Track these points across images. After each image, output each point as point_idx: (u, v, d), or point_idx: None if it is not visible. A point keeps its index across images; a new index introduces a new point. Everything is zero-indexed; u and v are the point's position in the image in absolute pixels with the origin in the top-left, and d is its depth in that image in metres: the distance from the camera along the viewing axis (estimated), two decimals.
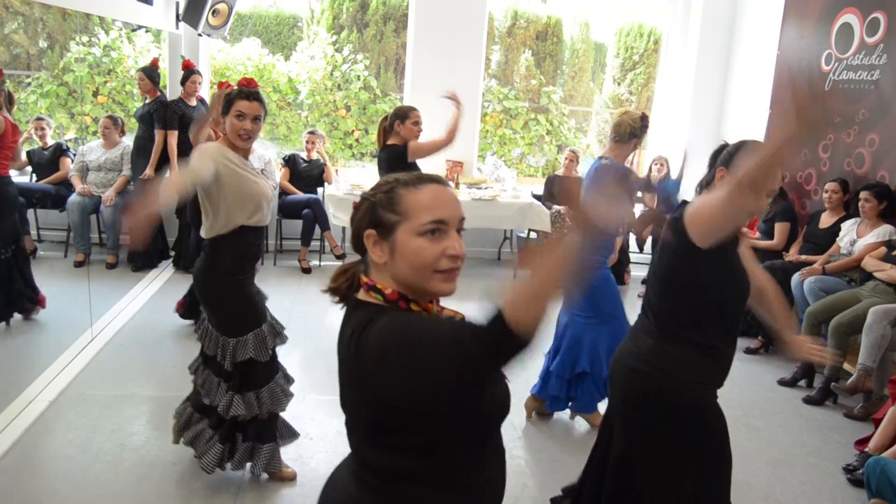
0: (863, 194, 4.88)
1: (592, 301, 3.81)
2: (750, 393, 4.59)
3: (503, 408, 1.49)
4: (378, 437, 1.38)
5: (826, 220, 5.33)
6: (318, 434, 3.67)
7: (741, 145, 2.25)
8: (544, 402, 4.00)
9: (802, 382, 4.77)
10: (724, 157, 2.29)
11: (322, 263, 6.94)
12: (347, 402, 1.43)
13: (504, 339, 1.17)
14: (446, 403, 1.31)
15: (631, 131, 3.72)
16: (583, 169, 7.52)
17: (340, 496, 1.47)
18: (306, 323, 5.21)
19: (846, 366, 4.55)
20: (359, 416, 1.41)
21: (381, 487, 1.40)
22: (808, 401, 4.52)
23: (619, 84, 11.82)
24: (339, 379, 1.42)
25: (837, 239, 5.09)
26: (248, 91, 2.94)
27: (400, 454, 1.37)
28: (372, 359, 1.28)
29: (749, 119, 6.73)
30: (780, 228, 5.57)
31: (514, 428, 3.94)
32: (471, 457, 1.44)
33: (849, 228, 5.02)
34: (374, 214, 1.40)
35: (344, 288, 1.49)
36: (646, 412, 2.27)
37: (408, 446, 1.37)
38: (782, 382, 4.78)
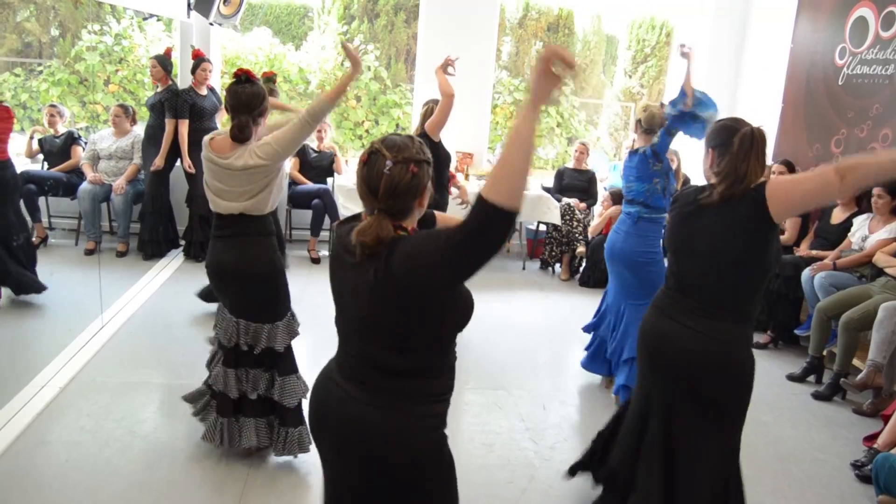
0: (876, 190, 4.84)
1: (649, 287, 3.93)
2: (758, 388, 4.50)
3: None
4: (398, 341, 1.69)
5: (838, 216, 5.30)
6: None
7: (716, 126, 2.52)
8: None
9: (811, 378, 4.75)
10: (708, 139, 2.52)
11: None
12: (371, 322, 1.70)
13: (488, 215, 1.45)
14: (452, 288, 1.64)
15: (660, 123, 4.01)
16: (593, 162, 7.50)
17: (346, 401, 1.75)
18: (316, 312, 5.21)
19: (856, 362, 4.53)
20: (385, 328, 1.68)
21: (393, 385, 1.73)
22: (817, 396, 4.51)
23: (630, 77, 11.77)
24: (355, 309, 1.72)
25: (849, 234, 5.06)
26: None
27: (412, 354, 1.71)
28: (401, 264, 1.59)
29: (761, 113, 6.69)
30: (791, 223, 5.55)
31: (521, 419, 3.94)
32: (452, 350, 1.81)
33: (861, 224, 4.99)
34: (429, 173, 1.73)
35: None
36: (717, 387, 2.45)
37: (419, 346, 1.71)
38: (791, 377, 4.77)
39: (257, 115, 3.00)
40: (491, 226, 1.46)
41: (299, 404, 3.22)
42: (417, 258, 1.58)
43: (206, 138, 3.04)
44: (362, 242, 1.62)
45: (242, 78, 3.01)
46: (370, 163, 1.67)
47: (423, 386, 1.75)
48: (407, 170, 1.65)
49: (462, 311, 1.73)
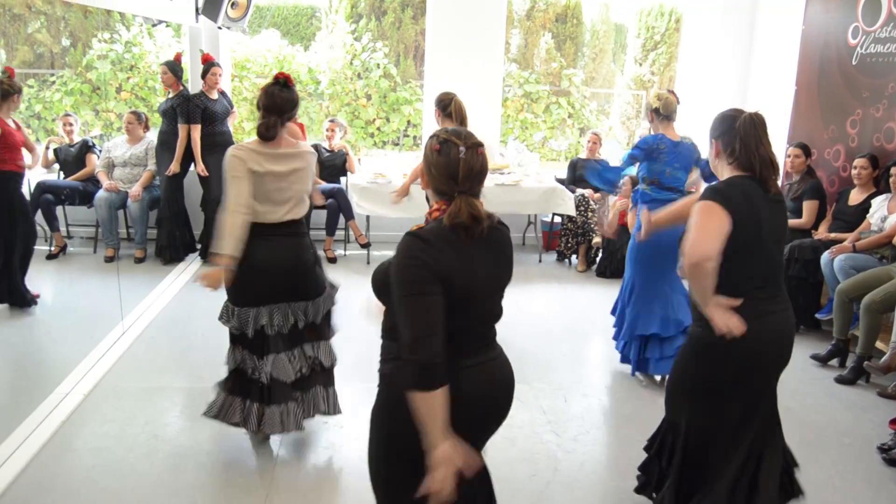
0: (893, 170, 4.79)
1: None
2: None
3: None
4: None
5: (855, 197, 5.24)
6: (348, 422, 3.69)
7: (718, 117, 2.54)
8: None
9: (834, 362, 4.71)
10: (711, 131, 2.56)
11: (347, 253, 6.96)
12: (505, 280, 2.00)
13: None
14: None
15: (675, 109, 4.17)
16: (606, 151, 7.46)
17: (502, 365, 2.06)
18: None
19: (879, 344, 4.48)
20: (508, 279, 2.03)
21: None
22: (841, 380, 4.47)
23: (640, 65, 11.69)
24: (499, 276, 1.98)
25: (868, 215, 5.00)
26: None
27: None
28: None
29: (774, 97, 6.63)
30: (808, 206, 5.46)
31: (542, 412, 3.94)
32: None
33: (879, 205, 4.93)
34: None
35: None
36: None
37: None
38: (817, 357, 4.73)
39: (286, 118, 3.17)
40: None
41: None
42: None
43: (249, 155, 3.09)
44: (461, 223, 1.83)
45: (281, 81, 3.16)
46: (444, 151, 1.86)
47: None
48: (477, 154, 1.88)
49: None
